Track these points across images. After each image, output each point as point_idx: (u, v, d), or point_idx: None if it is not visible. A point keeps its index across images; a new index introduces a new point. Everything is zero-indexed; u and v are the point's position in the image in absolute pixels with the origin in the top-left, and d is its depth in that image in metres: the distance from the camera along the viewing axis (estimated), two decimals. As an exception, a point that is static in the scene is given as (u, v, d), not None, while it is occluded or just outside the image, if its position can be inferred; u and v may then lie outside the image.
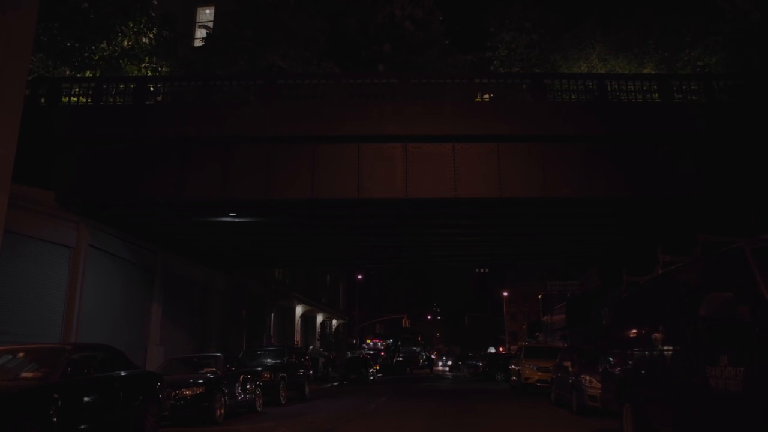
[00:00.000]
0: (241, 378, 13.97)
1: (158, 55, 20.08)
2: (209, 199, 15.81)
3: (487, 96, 17.25)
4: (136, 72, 19.36)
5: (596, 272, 28.49)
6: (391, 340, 56.50)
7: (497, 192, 15.46)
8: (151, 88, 16.85)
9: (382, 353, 51.32)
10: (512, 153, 15.65)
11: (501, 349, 60.22)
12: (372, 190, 15.51)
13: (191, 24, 28.85)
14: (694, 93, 16.02)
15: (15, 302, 13.38)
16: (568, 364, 14.60)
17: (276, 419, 13.15)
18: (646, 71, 20.37)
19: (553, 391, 16.15)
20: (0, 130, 10.82)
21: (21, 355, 8.65)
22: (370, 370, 33.29)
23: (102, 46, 18.67)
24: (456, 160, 15.57)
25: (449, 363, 67.94)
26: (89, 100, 16.00)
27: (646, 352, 7.43)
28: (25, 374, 8.02)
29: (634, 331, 8.10)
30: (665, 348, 6.83)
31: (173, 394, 11.58)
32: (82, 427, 7.88)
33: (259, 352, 19.52)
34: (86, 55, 18.42)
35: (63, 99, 16.03)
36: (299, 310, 38.35)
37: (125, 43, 19.29)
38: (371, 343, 56.77)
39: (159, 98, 16.55)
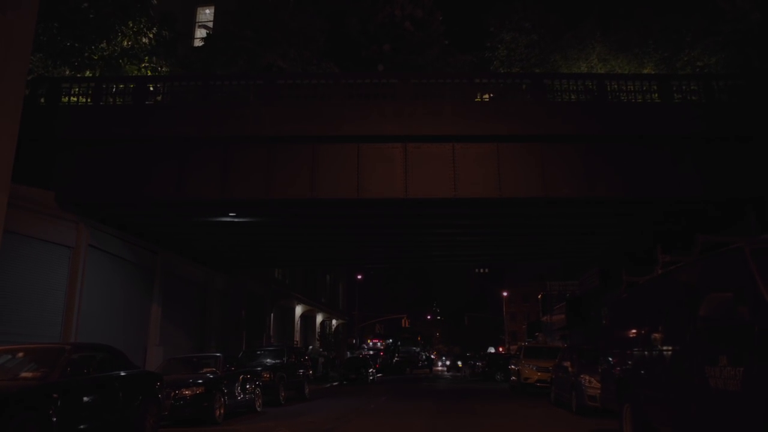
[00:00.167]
0: (240, 378, 13.97)
1: (158, 55, 20.08)
2: (209, 199, 15.81)
3: (487, 96, 17.25)
4: (135, 72, 19.36)
5: (596, 272, 28.48)
6: (390, 340, 56.53)
7: (497, 192, 15.46)
8: (151, 88, 16.85)
9: (382, 353, 51.35)
10: (512, 153, 15.66)
11: (500, 349, 60.22)
12: (372, 190, 15.51)
13: (191, 24, 28.86)
14: (694, 93, 16.02)
15: (15, 302, 13.38)
16: (567, 364, 14.60)
17: (275, 419, 13.15)
18: (645, 71, 20.38)
19: (552, 391, 16.15)
20: None
21: (20, 354, 8.64)
22: (370, 370, 33.29)
23: (102, 46, 18.67)
24: (456, 160, 15.57)
25: (447, 363, 67.80)
26: (89, 100, 16.00)
27: (646, 352, 7.43)
28: (24, 374, 8.02)
29: (634, 331, 8.10)
30: (665, 348, 6.82)
31: (173, 394, 11.58)
32: (82, 427, 7.88)
33: (258, 352, 19.51)
34: (86, 54, 18.42)
35: (63, 99, 16.03)
36: (299, 310, 38.34)
37: (125, 43, 19.29)
38: (371, 343, 56.79)
39: (159, 98, 16.55)
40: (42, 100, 15.97)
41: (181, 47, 22.47)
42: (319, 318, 45.19)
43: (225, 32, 23.70)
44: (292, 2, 24.70)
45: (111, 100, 16.11)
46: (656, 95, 16.17)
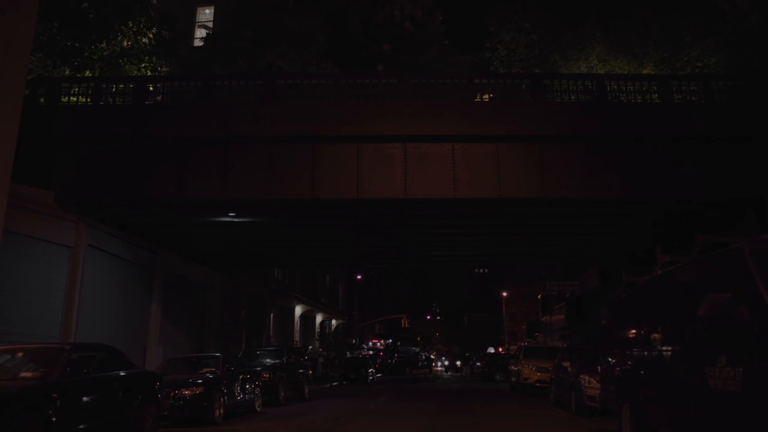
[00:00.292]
0: (240, 378, 13.97)
1: (158, 55, 20.07)
2: (209, 199, 15.81)
3: (486, 96, 17.25)
4: (135, 72, 19.36)
5: (595, 272, 28.48)
6: (390, 341, 56.53)
7: (497, 192, 15.47)
8: (151, 88, 16.84)
9: (382, 353, 51.35)
10: (512, 153, 15.66)
11: (500, 350, 60.22)
12: (372, 190, 15.52)
13: (191, 24, 28.83)
14: (693, 93, 16.02)
15: (14, 302, 13.38)
16: (567, 364, 14.61)
17: (275, 419, 13.15)
18: (645, 71, 20.38)
19: (552, 391, 16.16)
20: (-1, 129, 10.81)
21: (20, 354, 8.65)
22: (369, 370, 33.29)
23: (102, 45, 18.66)
24: (455, 160, 15.57)
25: (446, 363, 67.70)
26: (89, 100, 16.00)
27: (645, 353, 7.43)
28: (24, 374, 8.02)
29: (633, 331, 8.11)
30: (664, 348, 6.83)
31: (172, 394, 11.58)
32: (81, 426, 7.88)
33: (258, 352, 19.51)
34: (86, 54, 18.41)
35: (62, 99, 16.02)
36: (298, 310, 38.34)
37: (125, 43, 19.29)
38: (371, 343, 56.80)
39: (159, 98, 16.54)
40: (42, 99, 15.97)
41: (180, 47, 22.45)
42: (319, 318, 45.19)
43: (225, 32, 23.69)
44: (291, 2, 24.69)
45: (111, 100, 16.11)
46: (656, 95, 16.17)
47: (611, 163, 15.60)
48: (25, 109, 12.23)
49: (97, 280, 16.20)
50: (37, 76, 16.82)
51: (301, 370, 19.66)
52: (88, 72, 18.57)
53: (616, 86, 16.27)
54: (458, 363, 59.56)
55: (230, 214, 17.83)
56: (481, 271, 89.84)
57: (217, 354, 14.79)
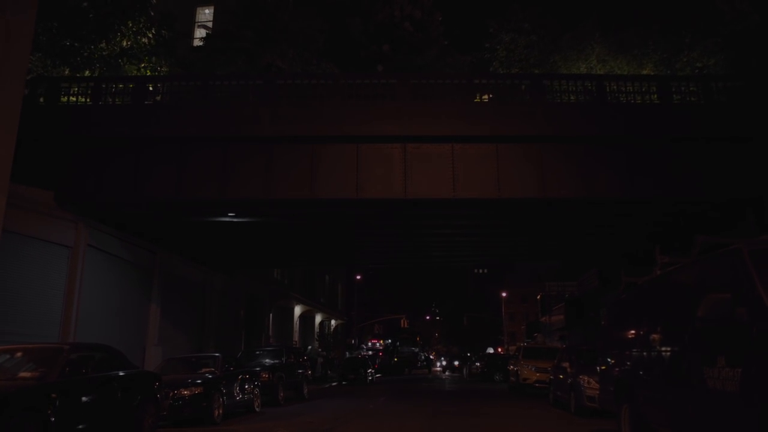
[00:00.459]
0: (239, 378, 13.96)
1: (157, 55, 20.07)
2: (208, 199, 15.80)
3: (486, 97, 17.26)
4: (135, 72, 19.35)
5: (595, 273, 28.51)
6: (389, 341, 56.53)
7: (496, 192, 15.47)
8: (151, 88, 16.84)
9: (381, 353, 51.35)
10: (511, 153, 15.67)
11: (499, 350, 60.22)
12: (371, 191, 15.52)
13: (190, 24, 28.85)
14: (693, 94, 16.03)
15: (13, 302, 13.37)
16: (566, 364, 14.61)
17: (274, 419, 13.14)
18: (645, 72, 20.40)
19: (551, 391, 16.16)
20: (-1, 129, 10.80)
21: (19, 354, 8.64)
22: (369, 371, 33.29)
23: (101, 45, 18.65)
24: (455, 160, 15.57)
25: (443, 363, 67.56)
26: (88, 100, 15.99)
27: (644, 353, 7.43)
28: (22, 374, 8.02)
29: (633, 331, 8.11)
30: (663, 349, 6.83)
31: (171, 394, 11.56)
32: (80, 427, 7.87)
33: (257, 353, 19.50)
34: (85, 54, 18.40)
35: (62, 99, 16.01)
36: (298, 310, 38.33)
37: (124, 43, 19.28)
38: (370, 344, 56.81)
39: (158, 98, 16.54)
40: (41, 99, 15.96)
41: (180, 47, 22.45)
42: (318, 318, 45.19)
43: (224, 32, 23.70)
44: (291, 2, 24.70)
45: (110, 100, 16.09)
46: (655, 96, 16.18)
47: (610, 163, 15.61)
48: (25, 108, 12.22)
49: (96, 280, 16.19)
50: (37, 76, 16.82)
51: (300, 371, 19.65)
52: (87, 72, 18.56)
53: (615, 87, 16.28)
54: (456, 363, 59.51)
55: (230, 215, 17.82)
56: (481, 271, 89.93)
57: (217, 354, 14.78)
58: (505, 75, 20.20)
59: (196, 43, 26.69)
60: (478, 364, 38.78)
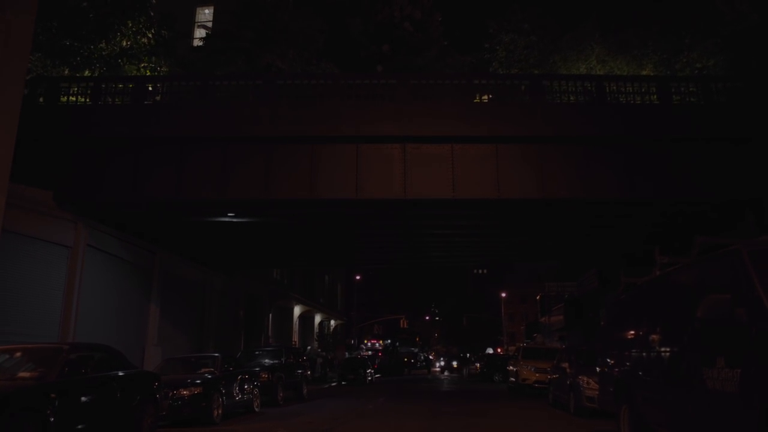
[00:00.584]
0: (238, 378, 13.96)
1: (157, 55, 20.07)
2: (208, 199, 15.80)
3: (485, 97, 17.26)
4: (135, 72, 19.34)
5: (594, 273, 28.51)
6: (389, 341, 56.56)
7: (496, 193, 15.47)
8: (150, 88, 16.84)
9: (380, 354, 51.37)
10: (511, 154, 15.67)
11: (499, 350, 60.21)
12: (371, 191, 15.51)
13: (190, 24, 28.85)
14: (692, 95, 16.04)
15: (13, 302, 13.36)
16: (565, 365, 14.61)
17: (274, 419, 13.14)
18: (644, 73, 20.41)
19: (550, 392, 16.15)
20: (-2, 129, 10.79)
21: (18, 354, 8.64)
22: (368, 371, 33.30)
23: (101, 45, 18.65)
24: (455, 160, 15.57)
25: (441, 364, 67.49)
26: (88, 100, 15.98)
27: (644, 354, 7.43)
28: (22, 374, 8.01)
29: (632, 332, 8.11)
30: (662, 349, 6.83)
31: (171, 394, 11.56)
32: (79, 427, 7.86)
33: (256, 353, 19.50)
34: (85, 54, 18.39)
35: (62, 98, 16.01)
36: (297, 310, 38.33)
37: (124, 43, 19.28)
38: (369, 344, 56.81)
39: (158, 98, 16.54)
40: (41, 99, 15.95)
41: (180, 47, 22.45)
42: (318, 318, 45.18)
43: (224, 32, 23.70)
44: (291, 3, 24.71)
45: (110, 99, 16.09)
46: (655, 97, 16.19)
47: (610, 164, 15.61)
48: (24, 108, 12.21)
49: (95, 280, 16.18)
50: (37, 76, 16.81)
51: (299, 371, 19.65)
52: (87, 72, 18.56)
53: (615, 87, 16.28)
54: (454, 363, 59.54)
55: (229, 215, 17.82)
56: (480, 271, 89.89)
57: (216, 354, 14.78)
58: (505, 75, 20.21)
59: (196, 43, 26.70)
60: (478, 364, 38.80)
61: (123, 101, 16.01)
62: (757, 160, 15.10)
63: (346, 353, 45.43)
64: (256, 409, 14.72)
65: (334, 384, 30.61)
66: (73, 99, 16.03)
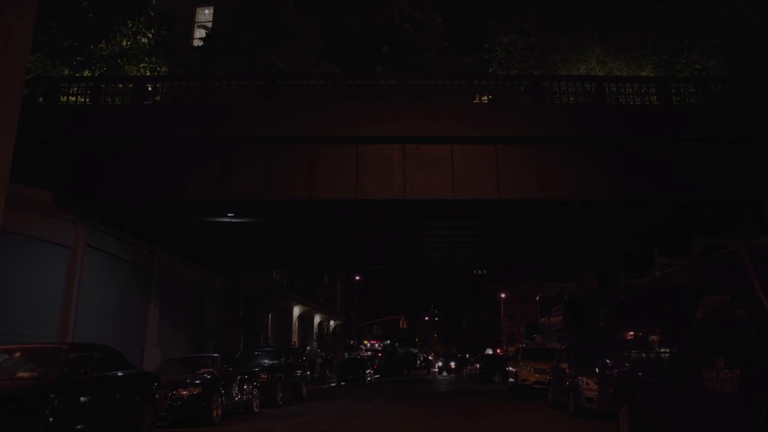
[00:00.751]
0: (238, 378, 13.95)
1: (157, 55, 20.05)
2: (208, 200, 15.80)
3: (485, 98, 17.27)
4: (134, 72, 19.34)
5: (594, 274, 28.50)
6: (388, 342, 56.54)
7: (495, 193, 15.48)
8: (150, 88, 16.83)
9: (380, 354, 51.37)
10: (510, 154, 15.67)
11: (498, 351, 60.20)
12: (370, 191, 15.51)
13: (190, 24, 28.83)
14: (692, 96, 16.06)
15: (12, 302, 13.35)
16: (565, 365, 14.60)
17: (273, 420, 13.14)
18: (644, 73, 20.42)
19: (550, 392, 16.15)
20: (-2, 129, 10.79)
21: (18, 354, 8.63)
22: (368, 371, 33.29)
23: (101, 45, 18.64)
24: (454, 161, 15.58)
25: (439, 365, 67.45)
26: (88, 100, 15.98)
27: (643, 354, 7.43)
28: (21, 374, 8.01)
29: (632, 333, 8.11)
30: (662, 350, 6.83)
31: (170, 394, 11.56)
32: (79, 427, 7.86)
33: (256, 353, 19.49)
34: (85, 54, 18.39)
35: (61, 98, 16.01)
36: (297, 310, 38.32)
37: (124, 43, 19.27)
38: (368, 344, 56.78)
39: (158, 98, 16.54)
40: (41, 99, 15.95)
41: (180, 47, 22.43)
42: (317, 319, 45.18)
43: (224, 32, 23.69)
44: (291, 3, 24.71)
45: (110, 100, 16.08)
46: (655, 97, 16.19)
47: (609, 164, 15.62)
48: (24, 108, 12.20)
49: (95, 280, 16.18)
50: (36, 76, 16.81)
51: (299, 371, 19.64)
52: (87, 72, 18.55)
53: (614, 88, 16.29)
54: (452, 364, 59.54)
55: (229, 215, 17.82)
56: (480, 272, 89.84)
57: (215, 354, 14.78)
58: (505, 76, 20.22)
59: (196, 43, 26.67)
60: (477, 365, 38.80)
61: (123, 101, 16.01)
62: (756, 161, 15.11)
63: (346, 354, 45.44)
64: (256, 410, 14.71)
65: (333, 384, 30.60)
66: (73, 99, 16.03)
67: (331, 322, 50.31)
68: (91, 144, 15.50)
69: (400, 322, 67.88)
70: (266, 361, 18.20)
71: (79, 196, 15.36)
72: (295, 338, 37.50)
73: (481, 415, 13.87)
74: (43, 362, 8.07)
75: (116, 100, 16.06)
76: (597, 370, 10.26)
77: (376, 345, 56.69)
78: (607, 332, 9.65)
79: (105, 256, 16.88)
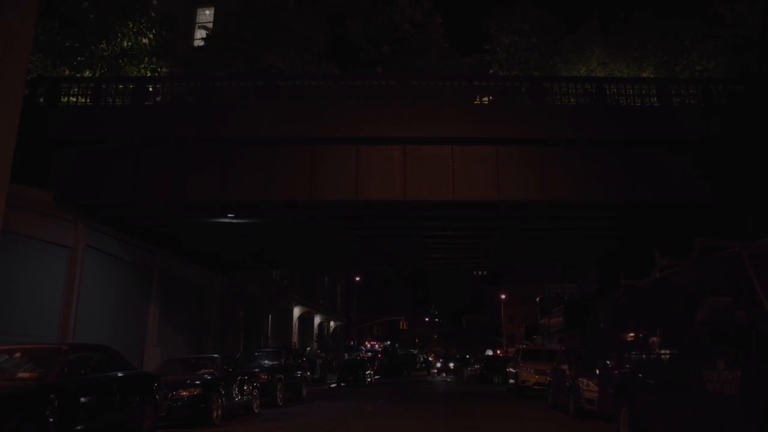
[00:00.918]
0: (238, 379, 13.94)
1: (158, 56, 20.08)
2: (207, 200, 15.80)
3: (486, 99, 17.28)
4: (135, 72, 19.35)
5: (594, 275, 28.53)
6: (388, 342, 56.46)
7: (496, 194, 15.47)
8: (151, 89, 16.84)
9: (380, 355, 51.35)
10: (511, 156, 15.67)
11: (498, 352, 60.18)
12: (371, 192, 15.51)
13: (191, 24, 28.87)
14: (692, 97, 16.06)
15: (12, 302, 13.35)
16: (565, 367, 14.59)
17: (273, 421, 13.13)
18: (645, 75, 20.43)
19: (550, 394, 16.13)
20: (-2, 129, 10.80)
21: (18, 355, 8.63)
22: (368, 372, 33.27)
23: (101, 46, 18.66)
24: (455, 162, 15.58)
25: (439, 365, 67.38)
26: (88, 100, 15.99)
27: (644, 356, 7.43)
28: (21, 374, 8.00)
29: (632, 334, 8.10)
30: (662, 351, 6.83)
31: (170, 395, 11.54)
32: (79, 427, 7.85)
33: (256, 354, 19.47)
34: (86, 54, 18.40)
35: (62, 99, 16.02)
36: (297, 311, 38.31)
37: (125, 44, 19.29)
38: (369, 345, 56.75)
39: (158, 99, 16.55)
40: (41, 99, 15.96)
41: (180, 48, 22.47)
42: (317, 319, 45.17)
43: (225, 33, 23.70)
44: (291, 4, 24.73)
45: (110, 100, 16.09)
46: (655, 99, 16.20)
47: (610, 166, 15.61)
48: (25, 109, 12.23)
49: (95, 280, 16.18)
50: (37, 76, 16.82)
51: (299, 372, 19.62)
52: (87, 72, 18.57)
53: (615, 89, 16.29)
54: (451, 365, 59.47)
55: (229, 215, 17.82)
56: (480, 273, 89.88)
57: (215, 355, 14.76)
58: (505, 77, 20.23)
59: (197, 43, 26.70)
60: (477, 366, 38.78)
61: (123, 102, 16.01)
62: (756, 162, 15.10)
63: (346, 354, 45.41)
64: (256, 410, 14.70)
65: (333, 385, 30.58)
66: (74, 99, 16.04)
67: (331, 323, 50.30)
68: (92, 144, 15.50)
69: (400, 323, 67.83)
70: (266, 361, 18.18)
71: (80, 196, 15.36)
72: (295, 339, 37.49)
73: (481, 415, 13.86)
74: (44, 363, 8.06)
75: (117, 100, 16.07)
76: (597, 371, 10.25)
77: (376, 346, 56.64)
78: (608, 333, 9.65)
79: (105, 256, 16.88)
